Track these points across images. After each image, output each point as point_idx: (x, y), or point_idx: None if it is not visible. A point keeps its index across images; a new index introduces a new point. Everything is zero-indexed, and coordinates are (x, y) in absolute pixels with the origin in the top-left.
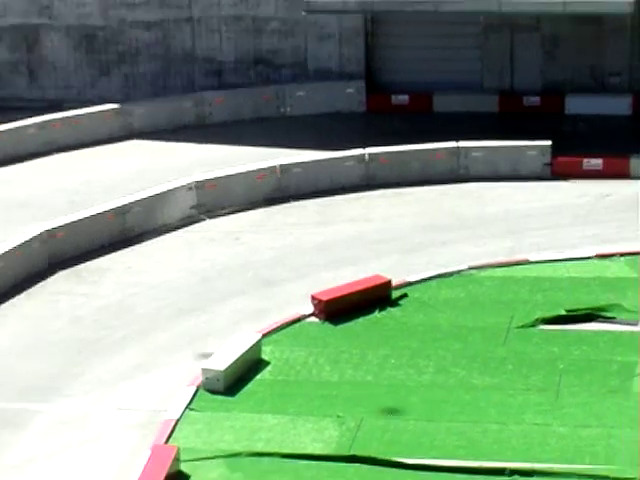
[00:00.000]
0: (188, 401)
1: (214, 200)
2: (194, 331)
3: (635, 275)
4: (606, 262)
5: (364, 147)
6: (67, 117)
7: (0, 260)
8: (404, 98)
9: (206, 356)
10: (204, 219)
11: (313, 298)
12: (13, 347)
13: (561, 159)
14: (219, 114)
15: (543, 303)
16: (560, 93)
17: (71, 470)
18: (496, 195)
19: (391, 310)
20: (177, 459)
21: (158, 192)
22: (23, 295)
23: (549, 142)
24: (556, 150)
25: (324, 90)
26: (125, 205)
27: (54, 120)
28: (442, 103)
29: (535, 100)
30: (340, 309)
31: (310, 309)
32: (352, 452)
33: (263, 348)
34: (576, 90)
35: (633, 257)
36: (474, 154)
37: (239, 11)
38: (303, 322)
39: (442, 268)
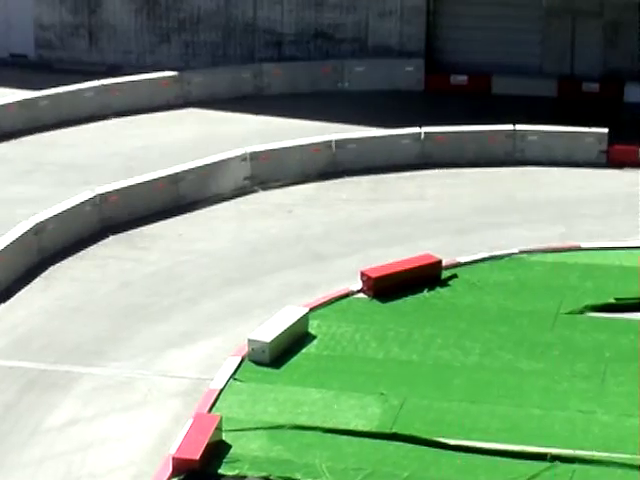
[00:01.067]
0: (233, 371)
1: (268, 172)
2: (242, 301)
3: None
4: None
5: (420, 126)
6: (126, 82)
7: (53, 222)
8: (463, 79)
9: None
10: (257, 191)
11: (362, 274)
12: (61, 309)
13: (617, 147)
14: (277, 86)
15: (593, 290)
16: (619, 80)
17: (113, 434)
18: (551, 180)
19: (440, 290)
20: (219, 428)
21: (212, 161)
22: (74, 258)
23: (606, 130)
24: (613, 138)
25: (383, 67)
26: (179, 173)
27: (112, 84)
28: (501, 85)
29: (594, 86)
30: (389, 286)
31: (359, 285)
32: (394, 430)
33: (310, 322)
34: (636, 78)
35: None
36: (530, 138)
37: None
38: (351, 298)
39: (493, 250)
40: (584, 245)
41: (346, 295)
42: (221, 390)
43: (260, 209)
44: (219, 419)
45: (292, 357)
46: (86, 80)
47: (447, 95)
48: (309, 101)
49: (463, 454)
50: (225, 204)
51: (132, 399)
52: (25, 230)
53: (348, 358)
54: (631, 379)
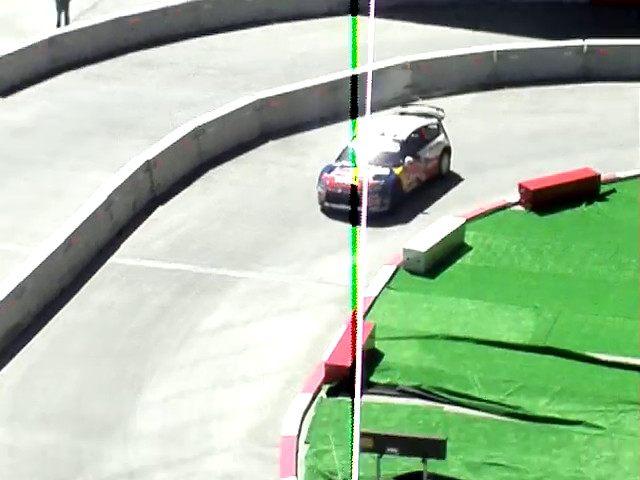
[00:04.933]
0: (387, 279)
1: (429, 81)
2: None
3: None
4: None
5: (584, 38)
6: None
7: (213, 126)
8: None
9: None
10: (417, 99)
11: (520, 186)
12: (220, 213)
13: None
14: None
15: None
16: None
17: (266, 338)
18: None
19: (598, 204)
20: (372, 336)
21: (372, 69)
22: (233, 162)
23: None
24: None
25: None
26: (338, 80)
27: None
28: None
29: None
30: (547, 199)
31: (517, 197)
32: (547, 344)
33: (466, 233)
34: None
35: None
36: None
37: None
38: (508, 210)
39: None
40: None
41: (503, 207)
42: (375, 298)
43: None
44: (372, 327)
45: (447, 267)
46: None
47: (615, 7)
48: (470, 11)
49: (616, 370)
50: (385, 112)
51: (286, 304)
52: (185, 133)
53: (503, 270)
54: None
